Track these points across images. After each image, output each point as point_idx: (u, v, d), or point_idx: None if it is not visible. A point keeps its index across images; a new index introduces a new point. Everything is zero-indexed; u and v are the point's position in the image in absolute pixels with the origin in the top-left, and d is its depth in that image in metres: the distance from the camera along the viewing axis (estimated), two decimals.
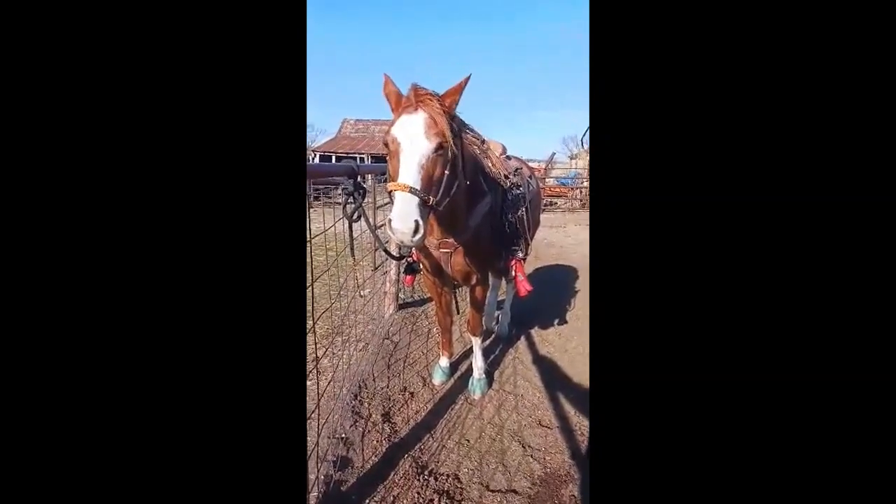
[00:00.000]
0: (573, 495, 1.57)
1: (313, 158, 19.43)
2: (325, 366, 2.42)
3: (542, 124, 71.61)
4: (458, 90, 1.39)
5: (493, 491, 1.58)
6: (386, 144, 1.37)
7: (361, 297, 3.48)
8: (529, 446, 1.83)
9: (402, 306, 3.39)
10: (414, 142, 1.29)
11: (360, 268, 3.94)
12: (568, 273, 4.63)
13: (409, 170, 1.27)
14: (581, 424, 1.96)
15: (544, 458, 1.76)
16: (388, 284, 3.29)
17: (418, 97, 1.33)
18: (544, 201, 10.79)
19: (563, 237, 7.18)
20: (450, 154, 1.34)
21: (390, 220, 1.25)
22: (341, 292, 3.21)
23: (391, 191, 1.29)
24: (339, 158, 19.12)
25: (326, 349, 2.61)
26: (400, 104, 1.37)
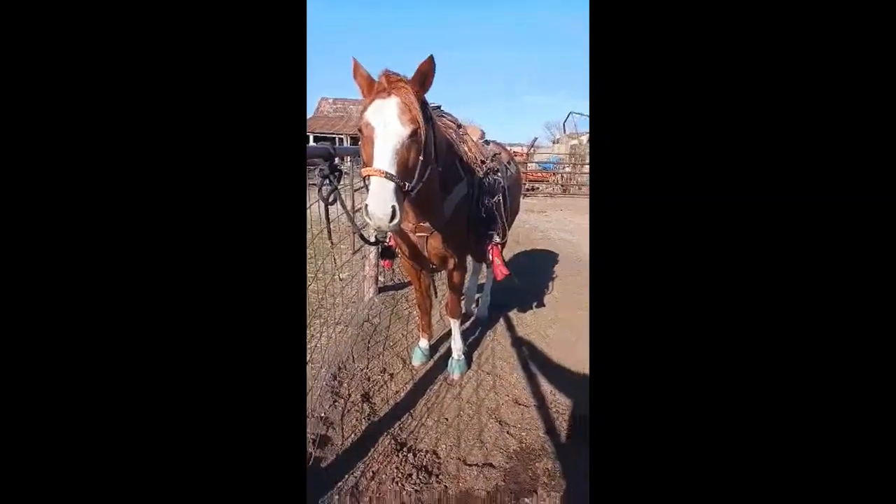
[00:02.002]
0: (547, 468, 1.64)
1: None
2: None
3: (527, 109, 71.65)
4: (428, 75, 1.37)
5: (469, 465, 1.64)
6: (360, 129, 1.36)
7: (340, 279, 3.46)
8: (506, 423, 1.89)
9: (382, 289, 3.40)
10: (388, 127, 1.29)
11: (339, 251, 3.91)
12: (548, 257, 4.70)
13: (384, 155, 1.27)
14: (557, 402, 2.03)
15: (520, 434, 1.82)
16: (367, 268, 3.28)
17: (391, 82, 1.32)
18: (526, 186, 10.85)
19: (545, 222, 7.27)
20: (423, 140, 1.34)
21: (367, 206, 1.25)
22: (318, 275, 3.19)
23: (366, 175, 1.29)
24: (316, 138, 18.65)
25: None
26: (372, 89, 1.35)
